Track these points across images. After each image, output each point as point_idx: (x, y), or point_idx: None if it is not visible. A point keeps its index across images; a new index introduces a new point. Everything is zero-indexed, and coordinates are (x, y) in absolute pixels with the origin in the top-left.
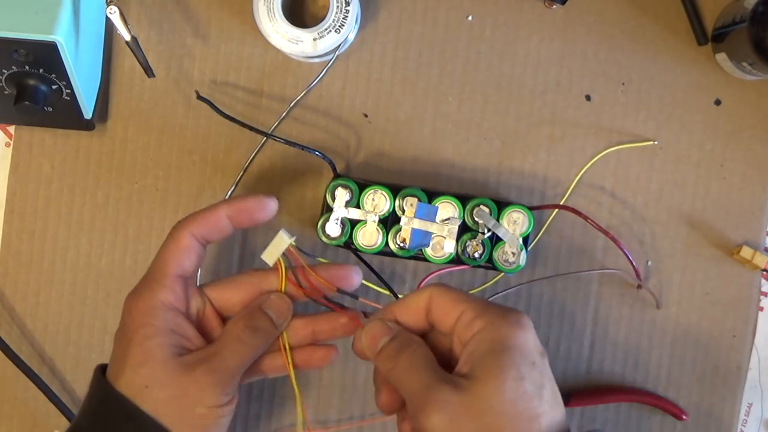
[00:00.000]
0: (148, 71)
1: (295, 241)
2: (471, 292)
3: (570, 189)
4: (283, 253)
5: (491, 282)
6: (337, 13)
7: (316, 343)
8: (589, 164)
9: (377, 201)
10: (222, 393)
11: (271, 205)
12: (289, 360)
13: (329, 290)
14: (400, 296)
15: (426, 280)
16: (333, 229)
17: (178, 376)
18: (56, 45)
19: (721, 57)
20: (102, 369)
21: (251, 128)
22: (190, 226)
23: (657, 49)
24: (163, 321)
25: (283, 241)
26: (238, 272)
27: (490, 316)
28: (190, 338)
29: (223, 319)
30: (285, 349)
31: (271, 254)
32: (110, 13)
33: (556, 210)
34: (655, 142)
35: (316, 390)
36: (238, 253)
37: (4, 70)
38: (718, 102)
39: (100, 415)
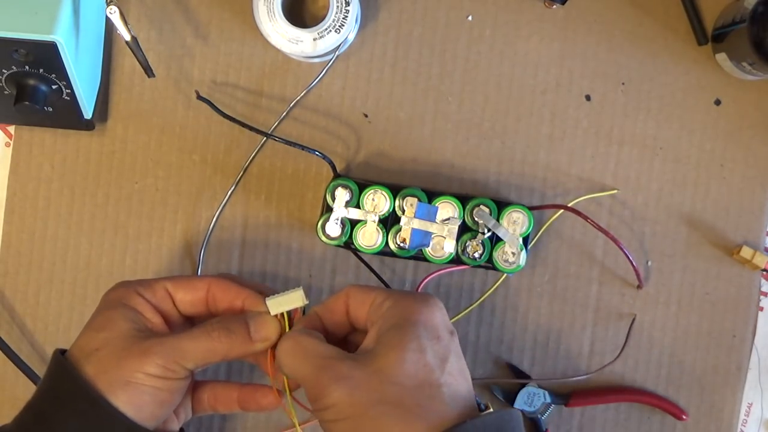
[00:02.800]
0: (148, 71)
1: (306, 307)
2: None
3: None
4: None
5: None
6: (337, 13)
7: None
8: (552, 219)
9: (377, 201)
10: (164, 366)
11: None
12: (288, 392)
13: None
14: None
15: (426, 280)
16: (333, 229)
17: (130, 343)
18: (56, 45)
19: (721, 57)
20: (62, 352)
21: (251, 128)
22: (215, 281)
23: (657, 49)
24: (135, 303)
25: (298, 300)
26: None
27: (398, 297)
28: (156, 324)
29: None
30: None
31: (279, 305)
32: (110, 13)
33: (561, 210)
34: (618, 191)
35: None
36: (238, 252)
37: (4, 70)
38: (718, 102)
39: (50, 387)
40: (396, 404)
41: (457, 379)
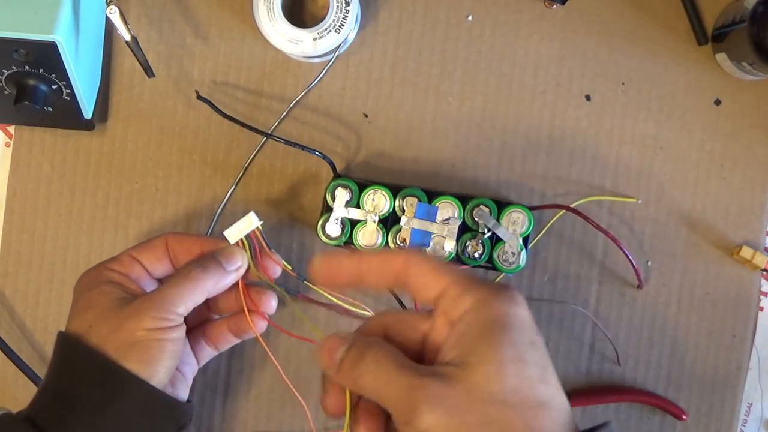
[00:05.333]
0: (148, 71)
1: (261, 226)
2: None
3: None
4: (247, 235)
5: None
6: (337, 13)
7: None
8: (553, 220)
9: (377, 201)
10: (158, 317)
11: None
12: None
13: (273, 274)
14: (401, 300)
15: None
16: (333, 229)
17: (119, 311)
18: (56, 45)
19: (721, 57)
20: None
21: (251, 128)
22: (170, 235)
23: (657, 49)
24: (109, 278)
25: (250, 223)
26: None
27: (480, 292)
28: (136, 290)
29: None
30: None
31: (236, 233)
32: (110, 13)
33: (563, 211)
34: (639, 201)
35: (316, 395)
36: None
37: (4, 70)
38: (718, 102)
39: (63, 366)
40: (502, 426)
41: (559, 391)
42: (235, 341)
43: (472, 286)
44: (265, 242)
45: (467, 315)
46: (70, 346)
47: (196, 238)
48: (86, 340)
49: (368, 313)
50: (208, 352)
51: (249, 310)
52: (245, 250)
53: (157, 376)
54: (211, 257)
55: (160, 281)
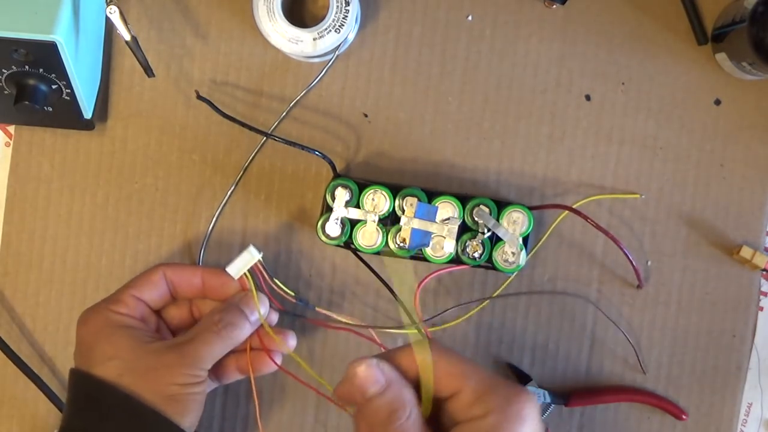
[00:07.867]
0: (148, 71)
1: (262, 258)
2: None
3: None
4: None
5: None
6: (337, 13)
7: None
8: (556, 222)
9: (377, 201)
10: (190, 374)
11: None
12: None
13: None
14: (398, 296)
15: (426, 279)
16: (333, 229)
17: (146, 359)
18: (56, 45)
19: (721, 57)
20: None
21: (251, 128)
22: (167, 268)
23: (657, 49)
24: (121, 322)
25: (251, 257)
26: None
27: (490, 404)
28: (149, 330)
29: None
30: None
31: (237, 268)
32: (110, 13)
33: (565, 212)
34: (642, 196)
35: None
36: (238, 251)
37: (4, 70)
38: (718, 102)
39: (87, 406)
40: None
41: None
42: (240, 377)
43: (483, 396)
44: (267, 273)
45: (471, 425)
46: (94, 389)
47: (194, 269)
48: (118, 388)
49: (371, 330)
50: (212, 384)
51: (253, 350)
52: (250, 284)
53: (189, 423)
54: (236, 310)
55: (159, 312)
